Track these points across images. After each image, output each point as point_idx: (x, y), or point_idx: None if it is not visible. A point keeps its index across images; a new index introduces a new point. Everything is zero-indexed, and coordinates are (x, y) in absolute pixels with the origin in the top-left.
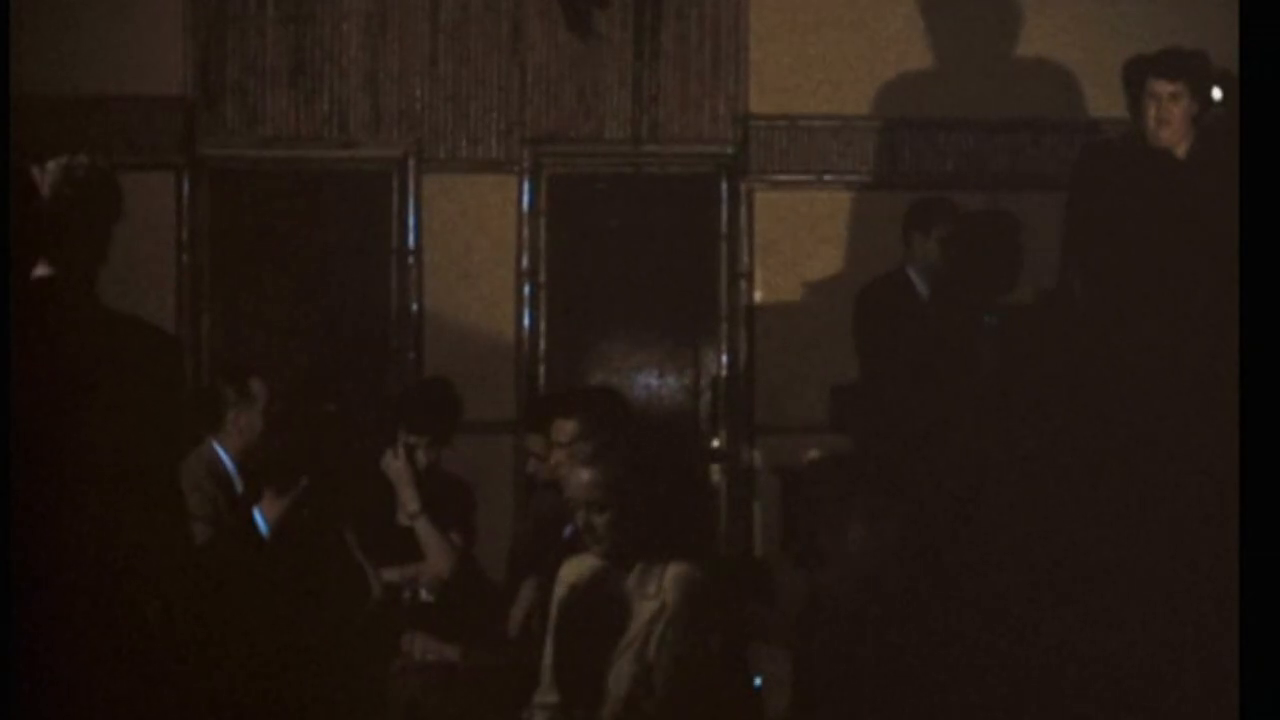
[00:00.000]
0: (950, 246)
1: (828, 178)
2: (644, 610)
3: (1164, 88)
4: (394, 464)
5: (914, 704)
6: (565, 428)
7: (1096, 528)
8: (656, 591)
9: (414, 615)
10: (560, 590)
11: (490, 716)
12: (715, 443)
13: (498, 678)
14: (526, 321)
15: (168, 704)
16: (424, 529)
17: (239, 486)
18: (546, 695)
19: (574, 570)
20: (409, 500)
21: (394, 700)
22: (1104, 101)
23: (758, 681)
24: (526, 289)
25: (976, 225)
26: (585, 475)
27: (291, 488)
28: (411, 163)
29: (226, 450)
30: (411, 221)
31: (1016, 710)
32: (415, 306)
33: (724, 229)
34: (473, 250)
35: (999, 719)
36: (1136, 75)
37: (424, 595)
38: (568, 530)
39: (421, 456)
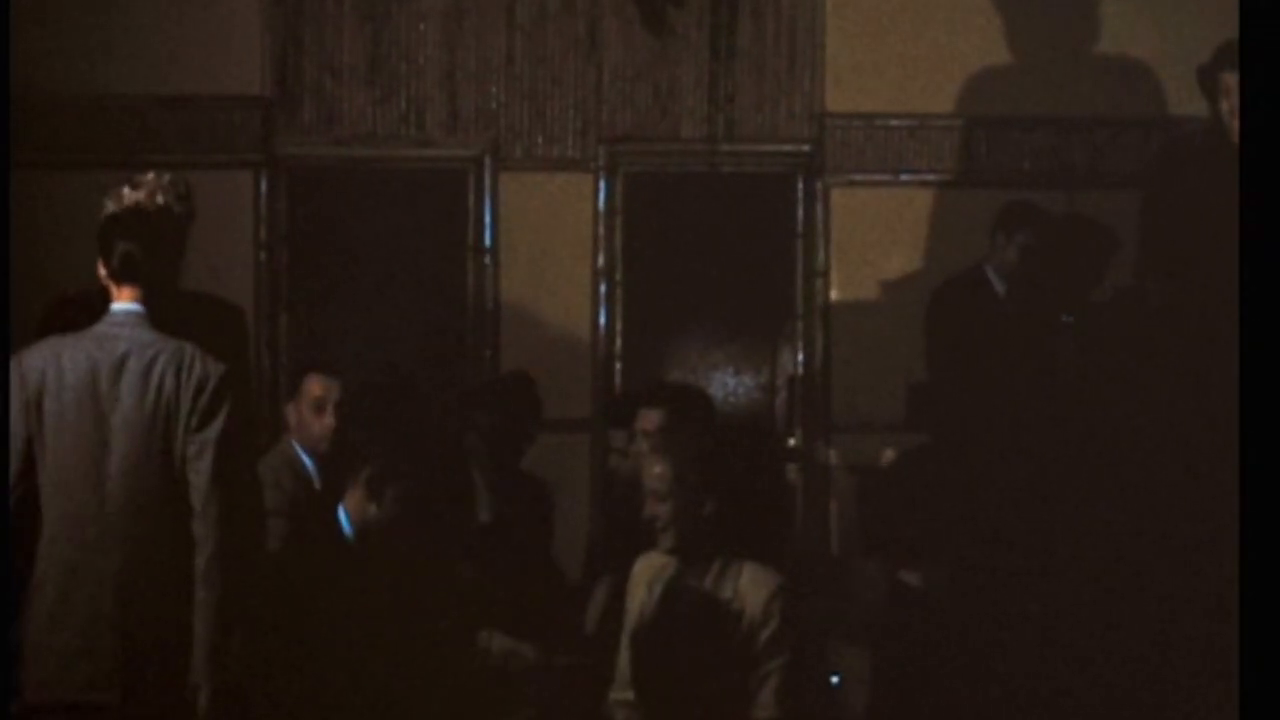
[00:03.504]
0: (1031, 255)
1: (904, 176)
2: (722, 612)
3: (1237, 81)
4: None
5: (992, 700)
6: (651, 417)
7: (1178, 526)
8: (734, 593)
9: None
10: (635, 587)
11: (567, 714)
12: (791, 441)
13: (574, 676)
14: (603, 320)
15: (254, 699)
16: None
17: (318, 484)
18: (623, 692)
19: (648, 567)
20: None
21: (470, 698)
22: (1183, 99)
23: (836, 679)
24: (603, 287)
25: (1060, 235)
26: (656, 467)
27: (376, 485)
28: (488, 161)
29: (304, 448)
30: (488, 220)
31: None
32: (492, 305)
33: (800, 228)
34: (549, 249)
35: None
36: (1211, 71)
37: None
38: (644, 526)
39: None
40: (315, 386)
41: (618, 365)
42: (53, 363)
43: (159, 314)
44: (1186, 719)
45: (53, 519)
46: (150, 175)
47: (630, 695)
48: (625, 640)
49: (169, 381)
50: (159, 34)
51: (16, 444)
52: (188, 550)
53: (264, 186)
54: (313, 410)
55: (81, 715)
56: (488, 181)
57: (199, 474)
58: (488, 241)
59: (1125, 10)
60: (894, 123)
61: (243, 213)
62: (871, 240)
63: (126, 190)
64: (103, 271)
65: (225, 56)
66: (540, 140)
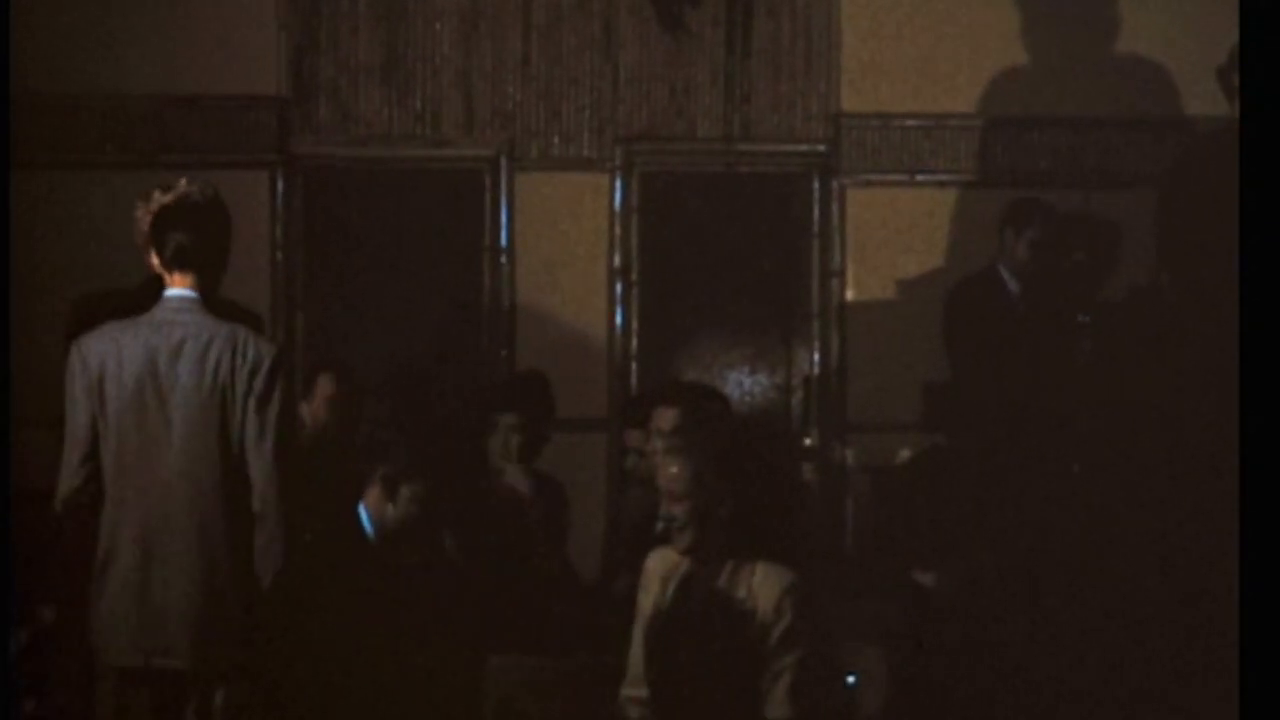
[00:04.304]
0: (1039, 250)
1: (920, 176)
2: (736, 610)
3: None
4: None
5: (1007, 701)
6: (667, 415)
7: (1195, 526)
8: (747, 592)
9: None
10: (648, 583)
11: (583, 711)
12: (807, 441)
13: (589, 673)
14: (619, 319)
15: (271, 696)
16: None
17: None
18: (635, 689)
19: (661, 563)
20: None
21: (488, 695)
22: (1199, 99)
23: (851, 679)
24: (619, 287)
25: (1066, 231)
26: (672, 467)
27: (391, 484)
28: (504, 161)
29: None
30: (504, 220)
31: (1114, 707)
32: (508, 304)
33: (816, 227)
34: (565, 249)
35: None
36: (1230, 71)
37: None
38: (660, 526)
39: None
40: (328, 385)
41: (633, 365)
42: (113, 348)
43: (212, 300)
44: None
45: (116, 496)
46: (182, 181)
47: (643, 692)
48: (638, 637)
49: (224, 363)
50: (175, 34)
51: (81, 426)
52: (246, 524)
53: (280, 186)
54: (326, 409)
55: (153, 679)
56: (503, 181)
57: (262, 454)
58: (503, 241)
59: (1141, 10)
60: (910, 123)
61: (259, 213)
62: (887, 240)
63: (157, 194)
64: (155, 261)
65: (241, 56)
66: (556, 140)
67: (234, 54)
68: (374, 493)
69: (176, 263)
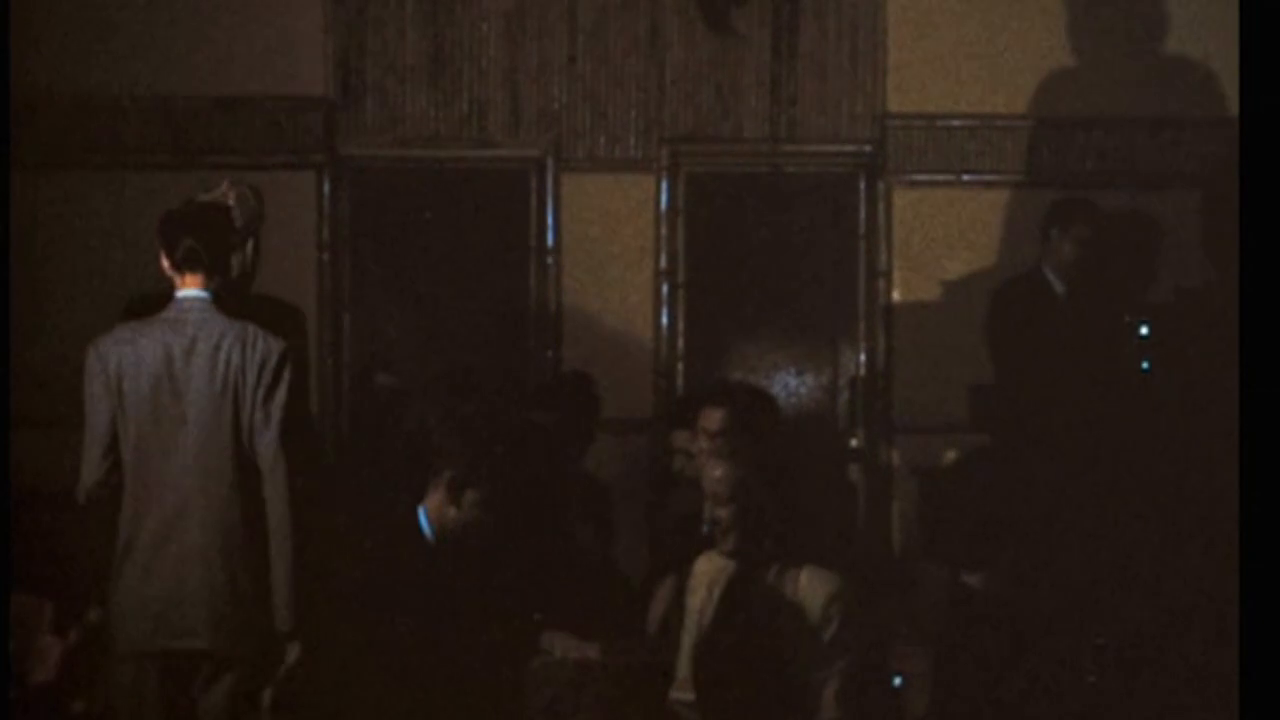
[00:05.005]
0: (1086, 248)
1: (966, 177)
2: (782, 613)
3: None
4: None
5: (1053, 703)
6: (714, 416)
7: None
8: (794, 596)
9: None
10: (695, 586)
11: (630, 714)
12: (853, 442)
13: (637, 675)
14: (664, 320)
15: (317, 692)
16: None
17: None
18: (683, 692)
19: (709, 567)
20: None
21: (534, 698)
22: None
23: (898, 681)
24: (664, 288)
25: (1115, 227)
26: (718, 470)
27: (457, 489)
28: (550, 162)
29: None
30: (550, 220)
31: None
32: (554, 305)
33: (862, 228)
34: (611, 249)
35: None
36: None
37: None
38: (705, 527)
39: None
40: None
41: (679, 366)
42: (129, 347)
43: (221, 298)
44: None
45: (136, 487)
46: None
47: (691, 695)
48: (686, 640)
49: (235, 358)
50: (222, 36)
51: (101, 422)
52: (259, 510)
53: (327, 187)
54: None
55: (173, 661)
56: (550, 182)
57: (267, 441)
58: (550, 242)
59: (1188, 10)
60: (956, 123)
61: (306, 213)
62: (933, 240)
63: (201, 197)
64: (166, 263)
65: (288, 58)
66: (602, 141)
67: (281, 56)
68: (437, 496)
69: (186, 264)
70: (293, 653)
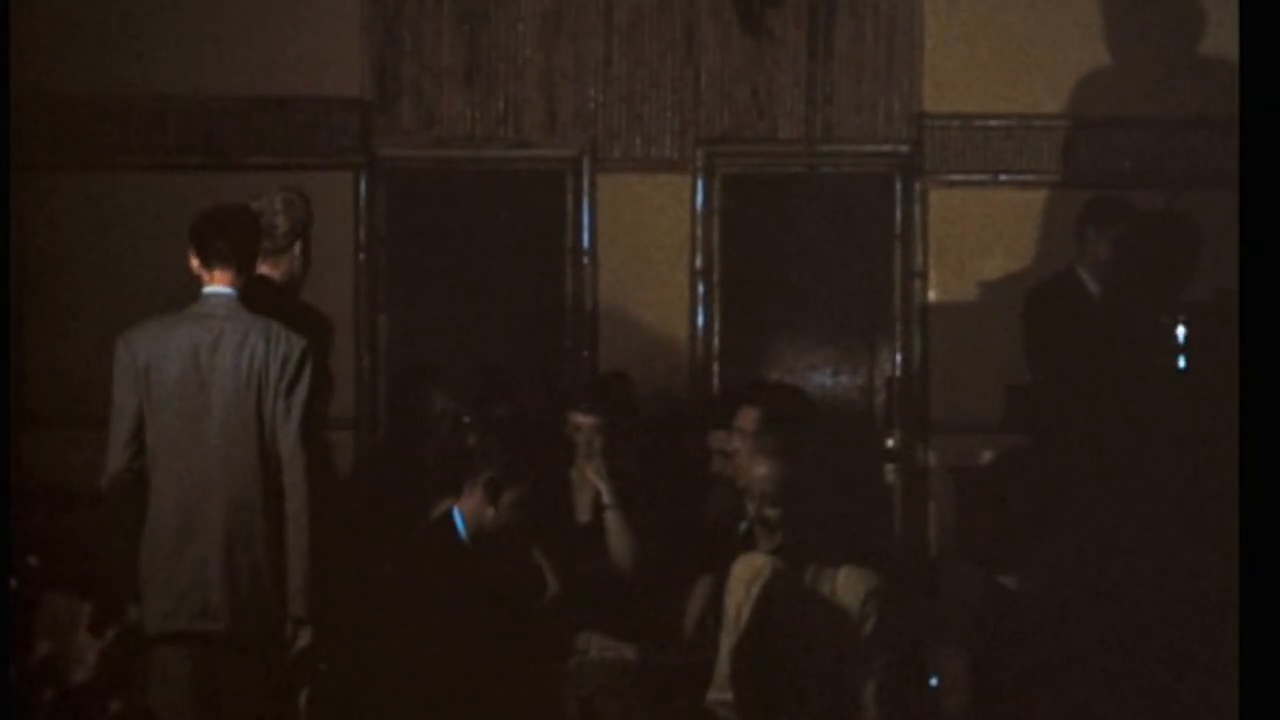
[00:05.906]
0: (1123, 246)
1: (1003, 177)
2: (820, 613)
3: None
4: (591, 462)
5: (1090, 703)
6: (750, 415)
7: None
8: (831, 595)
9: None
10: (734, 586)
11: (666, 714)
12: (889, 442)
13: (673, 675)
14: (700, 321)
15: (359, 696)
16: (614, 521)
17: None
18: (721, 692)
19: (748, 568)
20: (607, 493)
21: (570, 697)
22: None
23: (934, 681)
24: (700, 288)
25: (1151, 227)
26: (763, 469)
27: (495, 490)
28: (586, 163)
29: None
30: (586, 221)
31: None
32: (590, 306)
33: (898, 228)
34: (647, 250)
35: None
36: None
37: None
38: (742, 527)
39: (598, 443)
40: None
41: (715, 366)
42: (158, 340)
43: (246, 296)
44: None
45: (161, 475)
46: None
47: (729, 695)
48: (725, 641)
49: (259, 353)
50: (259, 36)
51: (128, 412)
52: (279, 498)
53: (363, 188)
54: None
55: (195, 641)
56: (585, 183)
57: (288, 432)
58: (586, 243)
59: (1226, 9)
60: (993, 123)
61: (342, 214)
62: (970, 241)
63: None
64: (195, 261)
65: (325, 58)
66: (638, 141)
67: (318, 57)
68: (474, 496)
69: (216, 263)
70: (304, 638)
